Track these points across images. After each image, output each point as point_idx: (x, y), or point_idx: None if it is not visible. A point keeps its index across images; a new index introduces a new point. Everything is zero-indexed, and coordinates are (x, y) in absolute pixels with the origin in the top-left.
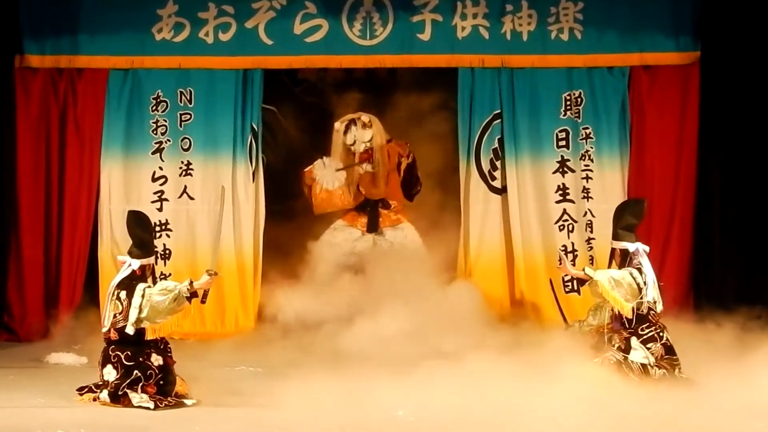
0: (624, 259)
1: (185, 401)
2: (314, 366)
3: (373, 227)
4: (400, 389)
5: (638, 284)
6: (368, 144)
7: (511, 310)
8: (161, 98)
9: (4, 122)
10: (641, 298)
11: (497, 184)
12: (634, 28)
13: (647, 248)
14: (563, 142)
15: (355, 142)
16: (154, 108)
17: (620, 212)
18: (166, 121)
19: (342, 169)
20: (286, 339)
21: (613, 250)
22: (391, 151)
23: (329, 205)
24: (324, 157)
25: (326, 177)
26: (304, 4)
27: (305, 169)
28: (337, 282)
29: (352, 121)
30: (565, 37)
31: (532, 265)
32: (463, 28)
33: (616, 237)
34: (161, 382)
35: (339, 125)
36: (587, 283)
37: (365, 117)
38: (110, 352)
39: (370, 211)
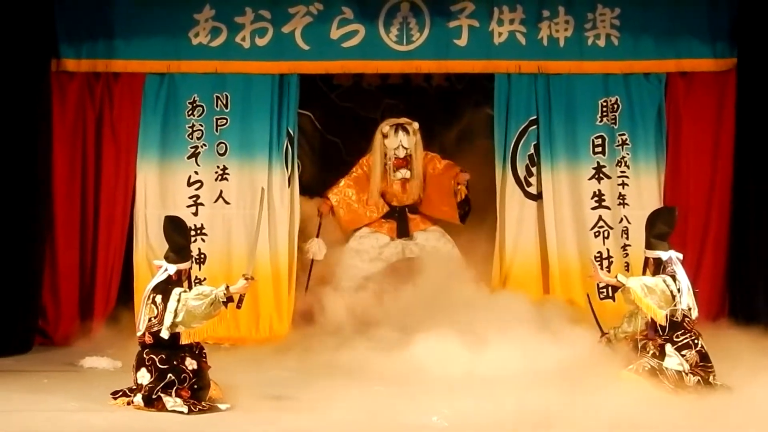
0: (658, 267)
1: (219, 405)
2: (348, 371)
3: (403, 232)
4: (435, 397)
5: (671, 291)
6: (409, 150)
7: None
8: (197, 103)
9: (41, 126)
10: (675, 305)
11: (533, 190)
12: (671, 34)
13: (681, 256)
14: (599, 149)
15: (398, 147)
16: (190, 112)
17: (652, 221)
18: (202, 125)
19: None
20: (320, 344)
21: (646, 259)
22: (430, 163)
23: (358, 221)
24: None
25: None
26: (340, 9)
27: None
28: (368, 287)
29: (399, 126)
30: (601, 43)
31: (567, 272)
32: (500, 34)
33: (649, 246)
34: (195, 386)
35: (387, 129)
36: (620, 290)
37: (414, 124)
38: (144, 356)
39: (398, 217)
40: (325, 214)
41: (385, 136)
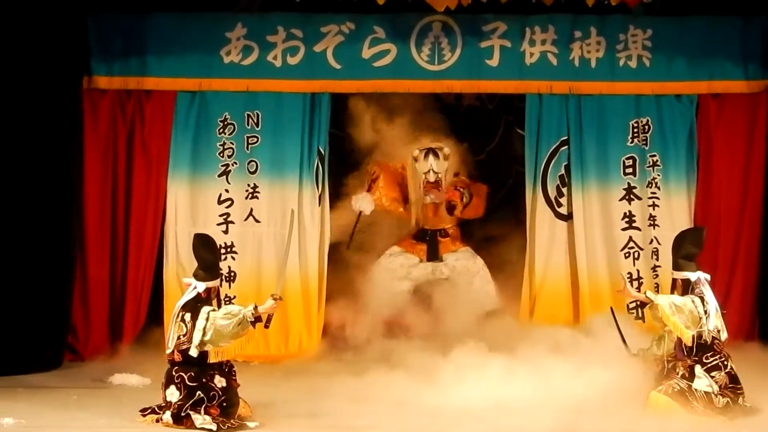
0: (686, 288)
1: (248, 423)
2: (375, 391)
3: (434, 255)
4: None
5: (699, 313)
6: (440, 175)
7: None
8: (228, 121)
9: (73, 143)
10: (701, 326)
11: (563, 210)
12: (703, 56)
13: (708, 277)
14: (630, 169)
15: (429, 171)
16: (221, 130)
17: (680, 242)
18: (233, 143)
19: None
20: (348, 363)
21: (674, 280)
22: (458, 185)
23: (396, 207)
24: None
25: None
26: (372, 28)
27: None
28: (397, 306)
29: (431, 151)
30: (633, 64)
31: (596, 292)
32: (532, 54)
33: (676, 267)
34: (224, 404)
35: (417, 153)
36: (648, 306)
37: (446, 149)
38: (173, 373)
39: (429, 240)
40: (375, 176)
41: (415, 160)
